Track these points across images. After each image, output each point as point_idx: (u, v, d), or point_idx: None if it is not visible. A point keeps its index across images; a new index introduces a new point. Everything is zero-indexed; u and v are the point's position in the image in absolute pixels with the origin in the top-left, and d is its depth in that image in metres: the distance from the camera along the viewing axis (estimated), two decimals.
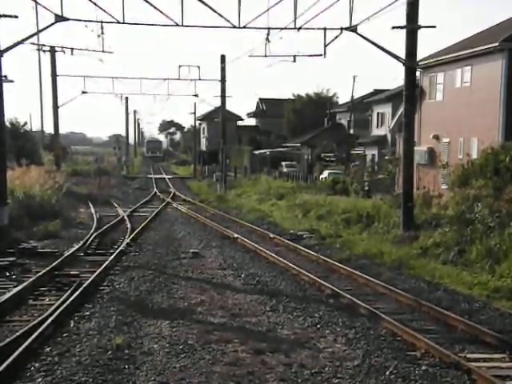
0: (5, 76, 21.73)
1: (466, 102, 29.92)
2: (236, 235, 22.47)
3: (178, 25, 23.25)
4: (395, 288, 13.92)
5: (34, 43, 37.84)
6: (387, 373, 8.93)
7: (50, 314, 11.05)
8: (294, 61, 29.68)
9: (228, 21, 23.70)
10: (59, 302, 12.17)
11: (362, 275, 15.32)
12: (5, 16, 21.42)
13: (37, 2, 23.27)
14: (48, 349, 9.66)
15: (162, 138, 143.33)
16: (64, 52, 39.05)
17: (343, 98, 78.13)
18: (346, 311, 12.28)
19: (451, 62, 31.52)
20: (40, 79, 53.29)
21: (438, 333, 10.94)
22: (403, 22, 21.07)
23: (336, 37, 23.31)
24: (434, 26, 21.99)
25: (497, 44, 27.16)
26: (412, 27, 20.93)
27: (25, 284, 13.62)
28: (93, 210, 30.84)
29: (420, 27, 21.10)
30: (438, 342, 10.06)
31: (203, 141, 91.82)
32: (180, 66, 41.61)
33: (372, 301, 13.08)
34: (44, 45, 40.30)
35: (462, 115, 30.27)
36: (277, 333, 10.95)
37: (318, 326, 11.36)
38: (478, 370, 8.84)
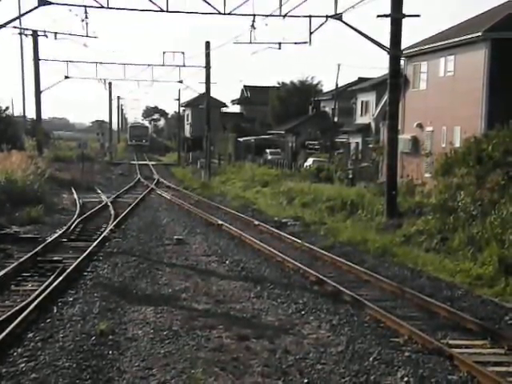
0: None
1: (450, 91, 30.05)
2: (220, 222, 22.45)
3: (162, 10, 23.11)
4: (379, 275, 14.01)
5: (16, 27, 37.42)
6: (371, 359, 9.00)
7: (33, 300, 10.99)
8: (279, 48, 29.68)
9: (213, 7, 23.60)
10: (42, 287, 12.09)
11: (346, 262, 15.39)
12: None
13: None
14: (31, 334, 9.62)
15: (146, 123, 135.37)
16: (47, 36, 38.51)
17: (328, 86, 78.12)
18: (330, 298, 12.34)
19: (435, 51, 31.62)
20: (22, 64, 52.55)
21: (421, 319, 11.04)
22: (388, 11, 21.10)
23: (321, 24, 23.33)
24: (418, 15, 22.08)
25: (480, 34, 27.25)
26: (396, 16, 20.97)
27: (7, 269, 13.49)
28: (76, 196, 30.65)
29: (404, 16, 21.14)
30: (420, 329, 10.14)
31: (187, 127, 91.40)
32: (164, 52, 41.39)
33: (356, 288, 13.14)
34: (26, 29, 39.90)
35: (445, 104, 30.41)
36: (261, 319, 10.98)
37: (303, 312, 11.41)
38: (460, 356, 8.94)
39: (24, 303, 10.86)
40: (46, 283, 12.42)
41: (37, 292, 11.71)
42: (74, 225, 20.59)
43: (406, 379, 8.28)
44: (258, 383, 8.08)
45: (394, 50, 21.31)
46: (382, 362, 8.88)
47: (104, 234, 19.09)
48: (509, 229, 15.39)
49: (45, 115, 66.61)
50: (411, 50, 33.07)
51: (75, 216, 23.07)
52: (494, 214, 16.70)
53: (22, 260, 14.47)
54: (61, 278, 12.67)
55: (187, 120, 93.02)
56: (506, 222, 15.89)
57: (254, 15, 25.63)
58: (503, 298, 12.61)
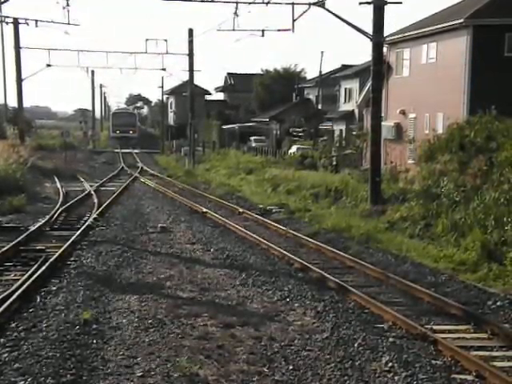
0: None
1: (432, 78, 30.10)
2: (205, 210, 22.40)
3: None
4: (363, 261, 14.06)
5: None
6: (355, 345, 9.03)
7: (16, 289, 10.90)
8: (263, 35, 29.51)
9: None
10: (25, 277, 11.99)
11: (331, 249, 15.43)
12: None
13: None
14: (14, 324, 9.55)
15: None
16: (28, 24, 38.06)
17: (311, 74, 78.15)
18: (315, 285, 12.36)
19: (417, 38, 31.63)
20: (3, 51, 51.86)
21: (405, 305, 11.10)
22: None
23: (304, 12, 23.24)
24: (400, 2, 22.02)
25: (462, 20, 27.27)
26: (379, 3, 20.94)
27: None
28: (59, 185, 30.45)
29: (387, 3, 21.13)
30: (404, 314, 10.21)
31: (171, 115, 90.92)
32: (147, 40, 41.06)
33: (340, 274, 13.19)
34: (7, 16, 39.37)
35: (427, 91, 30.47)
36: (246, 306, 10.98)
37: (288, 299, 11.42)
38: (444, 341, 9.00)
39: (6, 293, 10.76)
40: (29, 272, 12.32)
41: (20, 281, 11.61)
42: (57, 214, 20.45)
43: (390, 364, 8.32)
44: (243, 371, 8.08)
45: (377, 36, 21.28)
46: (366, 348, 8.92)
47: (88, 222, 18.97)
48: (491, 214, 15.49)
49: (27, 103, 65.98)
50: (394, 37, 33.05)
51: (58, 205, 22.91)
52: (477, 199, 16.79)
53: (4, 249, 14.32)
54: (44, 268, 12.58)
55: (171, 108, 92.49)
56: (488, 207, 15.99)
57: (237, 2, 25.50)
58: (486, 283, 12.70)
